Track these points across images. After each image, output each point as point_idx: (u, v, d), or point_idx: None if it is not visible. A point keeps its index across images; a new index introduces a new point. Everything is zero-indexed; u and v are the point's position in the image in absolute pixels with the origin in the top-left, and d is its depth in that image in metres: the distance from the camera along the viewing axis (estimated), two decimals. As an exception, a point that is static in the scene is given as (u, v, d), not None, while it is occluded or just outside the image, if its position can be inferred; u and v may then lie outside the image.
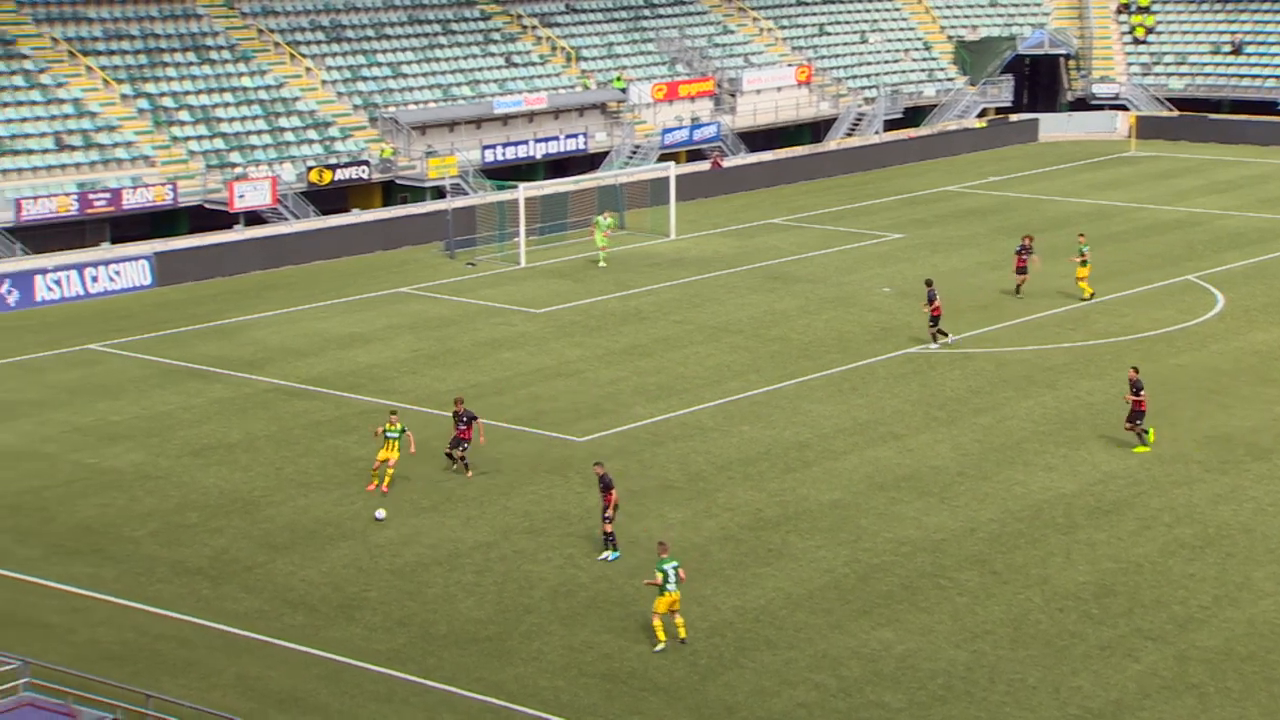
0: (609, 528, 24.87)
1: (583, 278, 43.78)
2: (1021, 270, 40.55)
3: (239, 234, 48.05)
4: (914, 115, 69.69)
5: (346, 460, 29.39)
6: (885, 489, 27.88)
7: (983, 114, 70.70)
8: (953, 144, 66.03)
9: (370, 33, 59.86)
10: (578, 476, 28.32)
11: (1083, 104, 72.33)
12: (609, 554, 24.88)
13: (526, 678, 21.36)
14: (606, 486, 24.77)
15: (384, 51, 59.45)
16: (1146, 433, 29.53)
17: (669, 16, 68.72)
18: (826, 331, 38.23)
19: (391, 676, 21.38)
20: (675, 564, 22.11)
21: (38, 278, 41.56)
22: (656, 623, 21.97)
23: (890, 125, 67.55)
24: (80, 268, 42.49)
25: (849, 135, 66.57)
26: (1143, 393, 29.36)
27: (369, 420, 31.70)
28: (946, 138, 66.85)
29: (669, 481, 28.33)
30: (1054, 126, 69.89)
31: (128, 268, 43.25)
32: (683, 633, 22.10)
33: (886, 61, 70.53)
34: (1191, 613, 23.17)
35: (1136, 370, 29.77)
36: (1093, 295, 40.19)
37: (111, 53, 53.09)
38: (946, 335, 36.35)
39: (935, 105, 69.96)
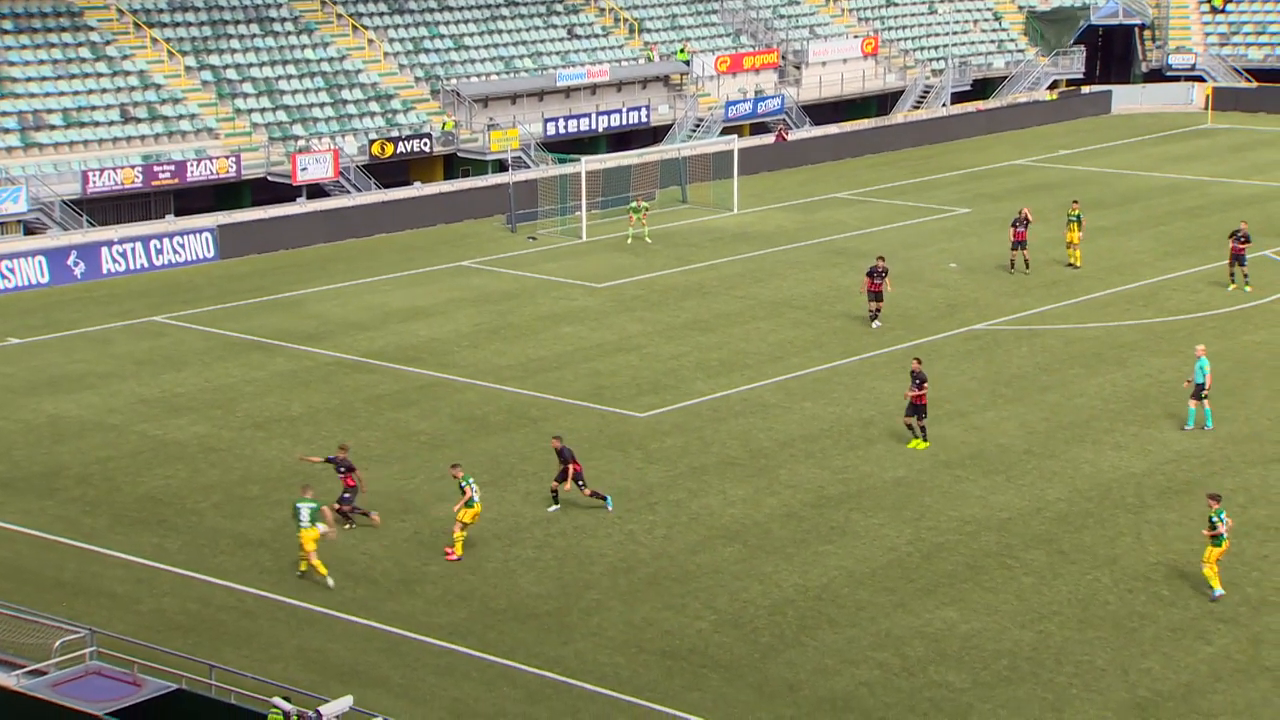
0: (586, 492, 25.37)
1: (644, 252, 43.74)
2: (1019, 244, 39.77)
3: (301, 207, 48.44)
4: (983, 87, 68.90)
5: (407, 434, 29.61)
6: (950, 467, 27.68)
7: (1054, 86, 69.77)
8: (1022, 117, 65.22)
9: (433, 4, 60.01)
10: (638, 452, 28.35)
11: (1157, 75, 71.16)
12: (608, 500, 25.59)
13: (586, 653, 21.46)
14: (565, 460, 25.16)
15: (446, 24, 59.58)
16: (923, 431, 28.17)
17: (733, -13, 68.30)
18: (890, 307, 37.96)
19: (451, 650, 21.56)
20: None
21: (103, 250, 42.15)
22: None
23: (958, 97, 66.84)
24: (145, 240, 43.04)
25: (916, 108, 65.94)
26: (925, 386, 28.05)
27: (429, 394, 31.93)
28: (1016, 110, 66.03)
29: (731, 458, 28.31)
30: (1127, 99, 68.84)
31: (192, 240, 43.76)
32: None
33: (955, 32, 69.73)
34: (1265, 595, 22.84)
35: (919, 361, 28.47)
36: (1078, 265, 39.90)
37: (176, 24, 53.60)
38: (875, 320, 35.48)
39: (1005, 77, 69.12)
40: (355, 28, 57.14)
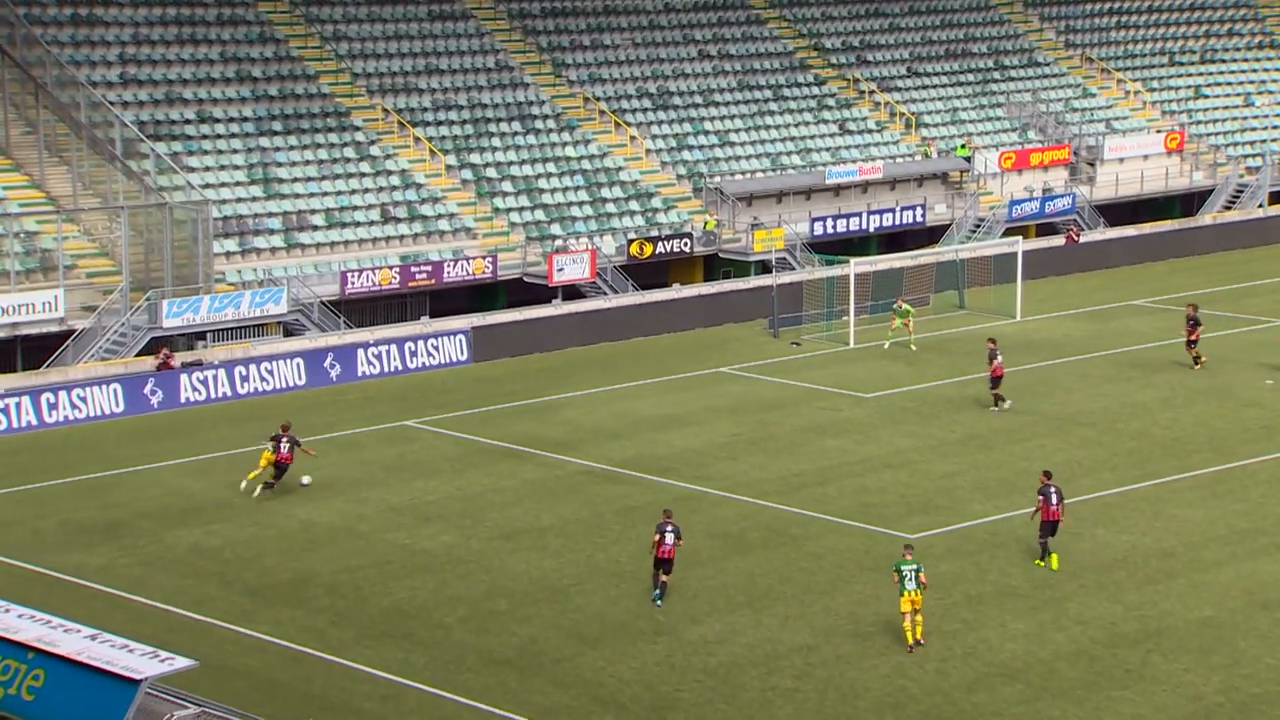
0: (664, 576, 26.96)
1: (916, 360, 43.35)
2: (1192, 343, 40.74)
3: (556, 309, 49.75)
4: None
5: (660, 549, 29.86)
6: (1269, 608, 26.27)
7: (1388, 184, 66.38)
8: (1353, 219, 62.24)
9: (698, 99, 61.53)
10: (897, 588, 27.86)
11: None
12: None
13: (847, 797, 21.06)
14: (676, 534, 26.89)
15: (711, 119, 60.93)
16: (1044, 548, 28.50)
17: (1021, 79, 67.81)
18: (1195, 427, 36.49)
19: (701, 784, 21.46)
20: (916, 566, 24.82)
21: (359, 352, 44.28)
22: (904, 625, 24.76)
23: (1276, 198, 64.27)
24: (400, 342, 44.99)
25: (1227, 208, 63.72)
26: (1063, 504, 28.19)
27: (683, 508, 32.16)
28: (1345, 212, 63.07)
29: (1010, 588, 27.56)
30: None
31: (445, 342, 45.53)
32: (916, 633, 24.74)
33: (1274, 126, 67.28)
34: None
35: (1048, 476, 28.63)
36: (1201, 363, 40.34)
37: (439, 123, 56.47)
38: (1004, 400, 37.80)
39: (1332, 176, 66.22)
40: (617, 124, 59.01)
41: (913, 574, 24.89)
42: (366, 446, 37.37)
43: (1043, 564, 28.49)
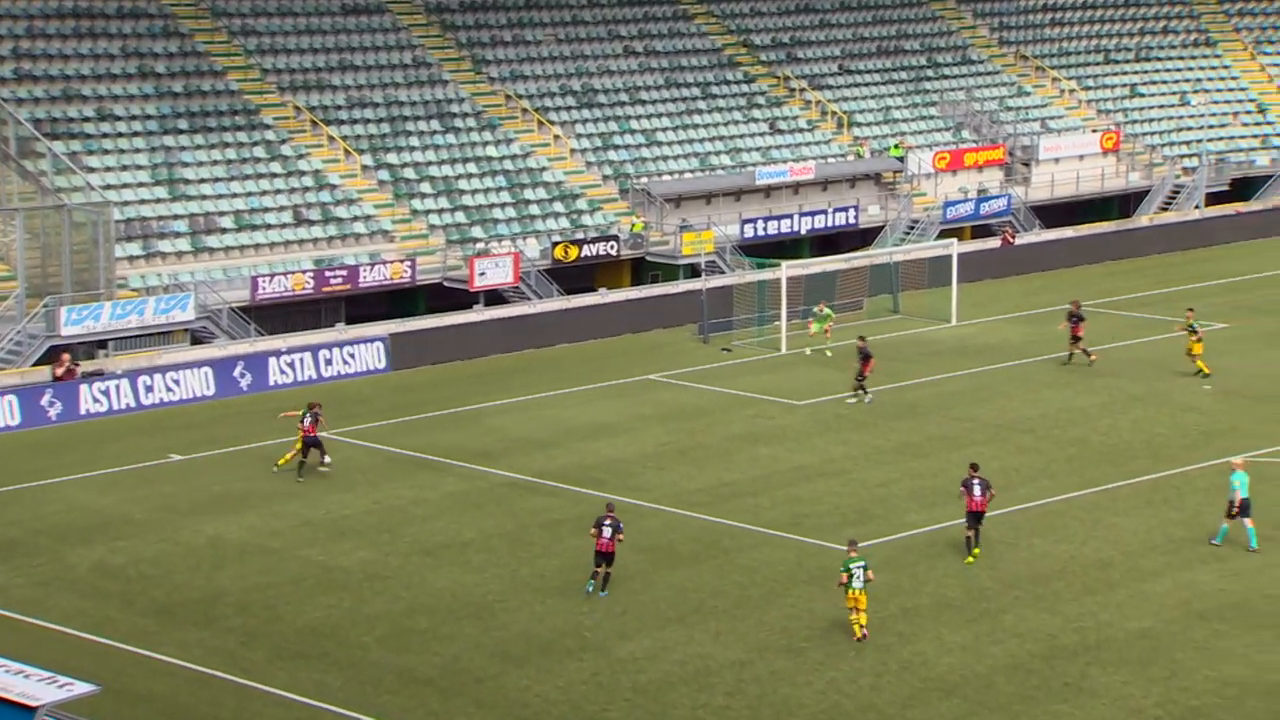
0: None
1: (851, 366, 43.68)
2: (1077, 338, 42.01)
3: (478, 314, 49.60)
4: (1242, 188, 67.35)
5: (587, 564, 29.86)
6: (1207, 619, 26.70)
7: (1327, 186, 67.83)
8: (1291, 220, 63.49)
9: (624, 98, 61.64)
10: (842, 590, 28.07)
11: None
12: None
13: (781, 817, 21.15)
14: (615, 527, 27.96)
15: (638, 118, 61.07)
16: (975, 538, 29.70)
17: (955, 77, 68.57)
18: (1134, 433, 37.03)
19: (631, 807, 21.48)
20: (863, 564, 25.85)
21: (271, 360, 43.88)
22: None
23: (1213, 199, 65.43)
24: (314, 350, 44.66)
25: (1164, 210, 64.76)
26: (991, 492, 29.42)
27: (589, 536, 32.13)
28: (1282, 213, 64.34)
29: (947, 599, 27.82)
30: None
31: (362, 350, 45.25)
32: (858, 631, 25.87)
33: (1211, 126, 68.49)
34: None
35: (974, 467, 29.96)
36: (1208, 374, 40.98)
37: (354, 122, 56.14)
38: (866, 394, 39.74)
39: (1270, 176, 67.47)
40: (540, 123, 58.99)
41: (860, 571, 25.85)
42: (280, 459, 37.08)
43: (972, 559, 29.29)
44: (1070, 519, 31.62)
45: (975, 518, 29.60)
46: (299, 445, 35.23)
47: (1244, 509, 29.87)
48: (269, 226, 50.86)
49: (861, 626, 26.07)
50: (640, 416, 39.74)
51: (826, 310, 45.45)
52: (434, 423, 39.82)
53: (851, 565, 25.98)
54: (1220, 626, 26.37)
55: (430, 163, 55.73)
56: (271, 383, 43.57)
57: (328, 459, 35.36)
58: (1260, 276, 54.69)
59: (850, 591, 25.98)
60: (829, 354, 44.50)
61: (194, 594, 28.86)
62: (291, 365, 44.06)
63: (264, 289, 47.99)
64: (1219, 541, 30.07)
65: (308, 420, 35.09)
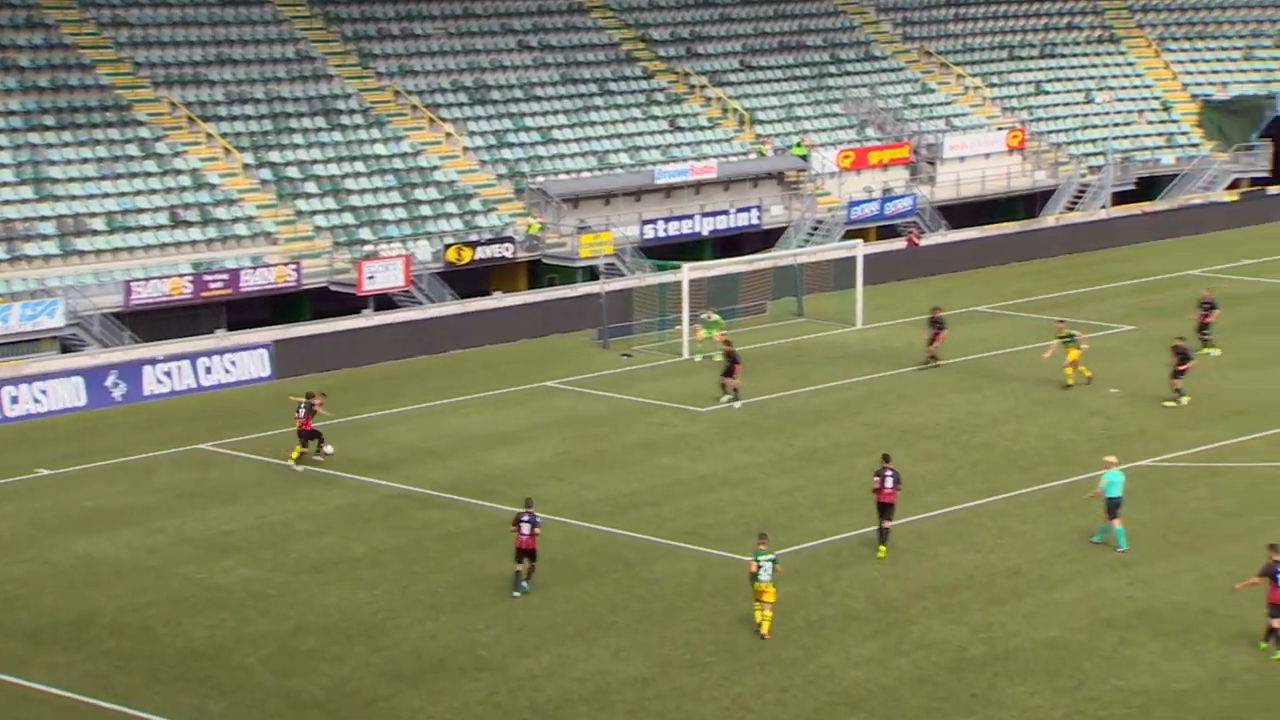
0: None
1: (755, 371, 43.95)
2: (932, 341, 42.94)
3: (367, 320, 49.38)
4: (1149, 187, 68.80)
5: (482, 578, 29.83)
6: (1115, 627, 27.23)
7: (1234, 186, 69.43)
8: (1197, 221, 64.93)
9: (518, 94, 61.60)
10: (746, 602, 28.29)
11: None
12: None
13: (685, 838, 21.24)
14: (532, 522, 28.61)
15: (533, 115, 61.06)
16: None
17: (858, 74, 69.36)
18: (1041, 438, 37.65)
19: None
20: (772, 557, 26.62)
21: (146, 369, 43.28)
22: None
23: (1119, 198, 66.77)
24: (193, 358, 44.12)
25: (1070, 209, 65.95)
26: (900, 486, 30.38)
27: (508, 533, 32.11)
28: (1189, 213, 65.76)
29: (853, 611, 28.12)
30: (1322, 199, 68.25)
31: (245, 358, 44.79)
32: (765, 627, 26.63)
33: (1116, 124, 69.92)
34: None
35: (886, 459, 30.78)
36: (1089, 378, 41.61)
37: (234, 118, 55.55)
38: (732, 396, 40.46)
39: (1175, 175, 68.97)
40: (431, 120, 58.77)
41: (769, 564, 26.66)
42: (157, 472, 36.62)
43: (883, 553, 30.11)
44: (977, 527, 32.08)
45: (885, 510, 30.46)
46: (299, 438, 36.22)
47: (1112, 509, 30.62)
48: (143, 228, 50.21)
49: (768, 620, 26.71)
50: (538, 425, 39.72)
51: (715, 316, 45.75)
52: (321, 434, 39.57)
53: (760, 557, 26.77)
54: (1127, 635, 26.91)
55: (315, 161, 55.31)
56: (147, 393, 43.00)
57: (327, 448, 36.19)
58: (1167, 277, 55.87)
59: (757, 584, 26.66)
60: (718, 358, 44.81)
61: (65, 615, 28.40)
62: (169, 374, 43.52)
63: (138, 294, 47.39)
64: (1098, 539, 30.89)
65: (302, 412, 35.95)
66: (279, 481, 35.78)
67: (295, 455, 36.11)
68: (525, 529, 28.52)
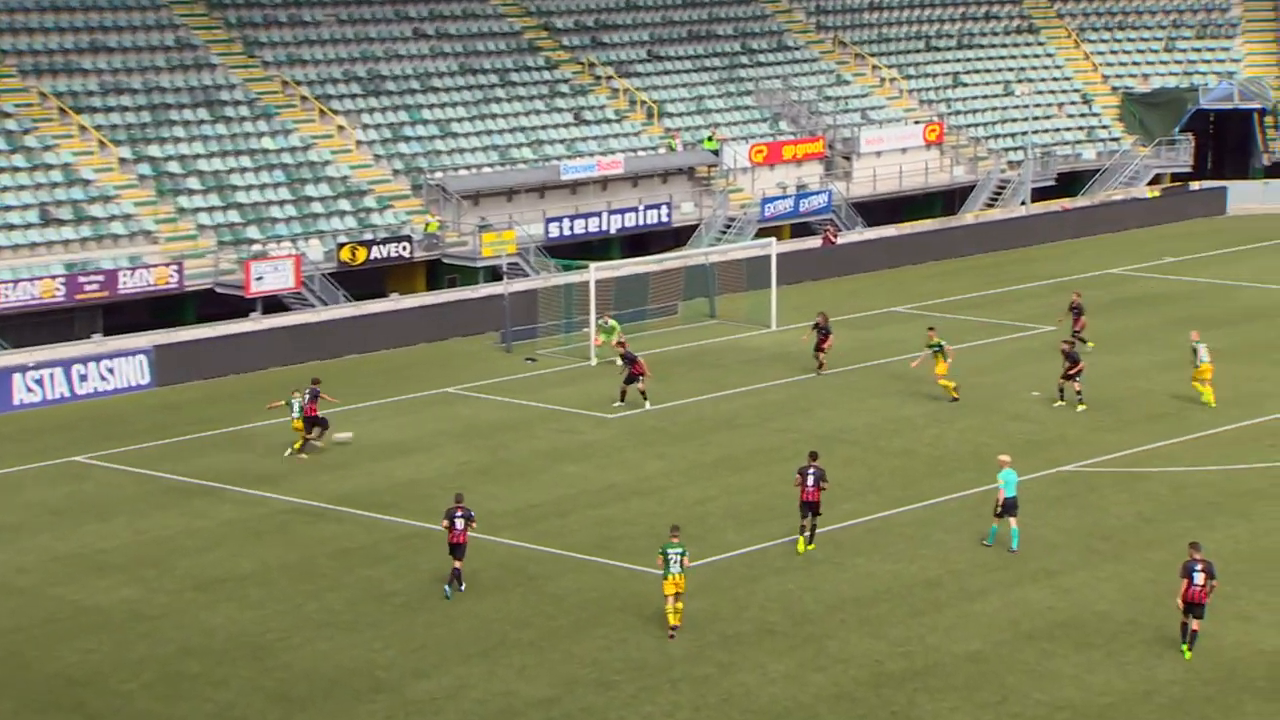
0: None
1: (666, 375, 44.08)
2: (820, 345, 43.73)
3: (255, 323, 49.00)
4: (1070, 182, 69.83)
5: (380, 595, 29.68)
6: (1036, 639, 27.59)
7: (1155, 181, 70.65)
8: (1118, 217, 66.00)
9: (415, 85, 61.37)
10: (657, 617, 28.36)
11: (1281, 169, 72.06)
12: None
13: None
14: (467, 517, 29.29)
15: (430, 107, 60.85)
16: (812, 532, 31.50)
17: (770, 64, 69.81)
18: (961, 444, 38.07)
19: None
20: (681, 550, 27.26)
21: (16, 377, 42.67)
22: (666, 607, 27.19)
23: (1039, 194, 67.71)
24: (66, 365, 43.56)
25: (989, 206, 66.78)
26: (824, 485, 31.10)
27: (407, 548, 32.00)
28: (1111, 210, 66.85)
29: (769, 625, 28.27)
30: (1245, 197, 69.65)
31: (123, 364, 44.29)
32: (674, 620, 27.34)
33: (1036, 118, 70.94)
34: None
35: (814, 457, 31.51)
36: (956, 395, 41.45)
37: (109, 109, 54.86)
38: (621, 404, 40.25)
39: (1097, 171, 70.06)
40: (322, 112, 58.40)
41: (678, 558, 27.33)
42: (27, 487, 36.16)
43: (803, 550, 30.90)
44: (896, 536, 32.38)
45: (809, 508, 30.96)
46: (299, 426, 37.22)
47: (1009, 508, 31.22)
48: (12, 227, 49.50)
49: (678, 613, 27.34)
50: (438, 433, 39.57)
51: (612, 321, 45.84)
52: (206, 444, 39.19)
53: (669, 550, 27.40)
54: (1049, 647, 27.27)
55: (198, 155, 54.78)
56: (16, 402, 42.43)
57: (339, 436, 37.95)
58: (1089, 276, 56.73)
59: (669, 576, 27.22)
60: (618, 363, 44.90)
61: (-70, 642, 27.89)
62: (40, 382, 42.96)
63: (7, 297, 46.81)
64: (990, 543, 31.39)
65: (307, 397, 37.46)
66: (161, 495, 35.38)
67: (298, 445, 37.39)
68: (459, 524, 29.16)
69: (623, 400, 41.07)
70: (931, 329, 42.43)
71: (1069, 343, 41.80)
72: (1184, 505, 33.85)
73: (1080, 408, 40.27)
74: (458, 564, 29.31)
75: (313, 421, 37.47)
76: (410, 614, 28.62)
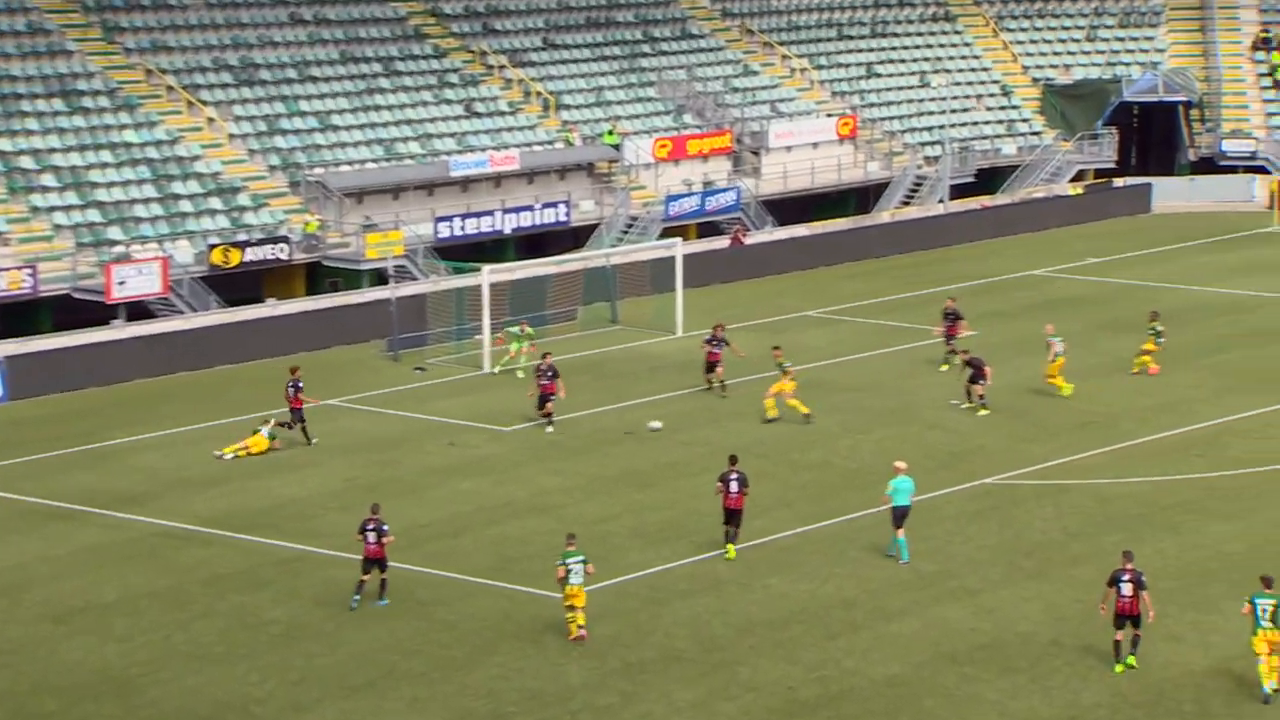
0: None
1: (565, 385, 44.03)
2: (713, 366, 43.00)
3: (118, 331, 48.47)
4: (989, 179, 70.61)
5: (256, 624, 29.39)
6: (958, 661, 27.82)
7: (1078, 178, 71.64)
8: (1040, 216, 66.85)
9: (291, 74, 60.93)
10: (555, 643, 28.29)
11: (1209, 165, 73.16)
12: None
13: None
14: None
15: (309, 98, 60.44)
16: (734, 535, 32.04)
17: (674, 54, 70.02)
18: (877, 456, 38.33)
19: None
20: (582, 558, 27.85)
21: None
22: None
23: (958, 191, 68.41)
24: (-88, 376, 42.89)
25: (905, 204, 67.38)
26: (746, 489, 31.66)
27: (286, 572, 31.69)
28: (1032, 208, 67.69)
29: (675, 651, 28.30)
30: (1171, 194, 70.75)
31: (-27, 375, 43.67)
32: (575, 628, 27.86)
33: (954, 110, 71.69)
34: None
35: (734, 460, 32.14)
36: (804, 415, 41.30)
37: (-44, 100, 54.00)
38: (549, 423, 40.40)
39: (1017, 167, 70.91)
40: (190, 103, 57.84)
41: (579, 567, 27.99)
42: None
43: (734, 555, 31.51)
44: (809, 554, 32.52)
45: (732, 515, 31.61)
46: (265, 445, 38.32)
47: (899, 518, 31.58)
48: None
49: (580, 626, 27.93)
50: (319, 449, 39.34)
51: (529, 330, 45.79)
52: (63, 462, 38.72)
53: (569, 560, 27.99)
54: (971, 670, 27.50)
55: (53, 150, 54.09)
56: None
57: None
58: (1011, 277, 57.39)
59: (569, 588, 27.86)
60: (520, 374, 44.81)
61: None
62: (-117, 396, 42.15)
63: None
64: (906, 560, 31.61)
65: (290, 391, 38.78)
66: (14, 520, 34.86)
67: (302, 432, 39.06)
68: (371, 537, 29.67)
69: (547, 419, 40.52)
70: (777, 349, 42.13)
71: (967, 350, 42.50)
72: (1110, 518, 34.28)
73: (982, 412, 40.78)
74: (364, 576, 29.74)
75: (299, 414, 38.94)
76: (289, 644, 28.35)
